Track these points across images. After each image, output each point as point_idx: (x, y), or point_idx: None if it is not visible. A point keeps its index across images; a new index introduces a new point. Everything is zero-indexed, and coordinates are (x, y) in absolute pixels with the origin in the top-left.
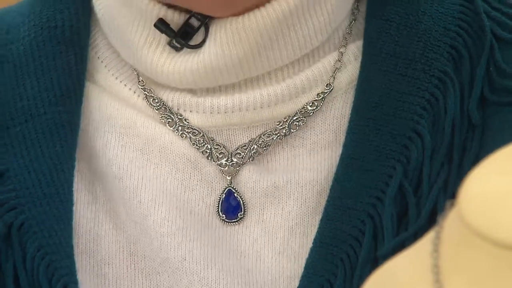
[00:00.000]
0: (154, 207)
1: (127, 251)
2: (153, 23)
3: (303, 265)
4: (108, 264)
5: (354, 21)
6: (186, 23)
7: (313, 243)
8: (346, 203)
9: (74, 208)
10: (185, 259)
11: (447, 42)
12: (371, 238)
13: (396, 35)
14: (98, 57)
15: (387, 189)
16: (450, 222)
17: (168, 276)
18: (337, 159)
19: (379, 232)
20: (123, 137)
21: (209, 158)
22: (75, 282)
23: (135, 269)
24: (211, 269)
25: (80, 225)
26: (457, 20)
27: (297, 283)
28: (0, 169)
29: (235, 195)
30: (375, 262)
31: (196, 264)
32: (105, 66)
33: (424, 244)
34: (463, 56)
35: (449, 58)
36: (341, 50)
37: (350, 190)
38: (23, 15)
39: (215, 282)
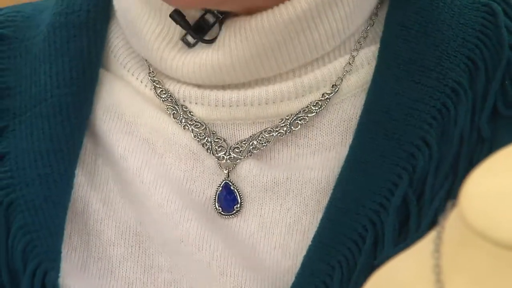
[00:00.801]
0: (156, 188)
1: (133, 231)
2: (167, 16)
3: (299, 262)
4: (113, 245)
5: (371, 26)
6: (202, 18)
7: (312, 242)
8: (348, 205)
9: (75, 189)
10: (182, 241)
11: (464, 53)
12: (371, 245)
13: (413, 42)
14: (109, 46)
15: (392, 198)
16: (451, 222)
17: (169, 257)
18: (341, 160)
19: (379, 240)
20: (130, 125)
21: (209, 151)
22: (53, 260)
23: (139, 249)
24: (206, 251)
25: (85, 206)
26: (477, 32)
27: (291, 278)
28: (2, 152)
29: (232, 188)
30: (372, 269)
31: (192, 246)
32: (114, 56)
33: (425, 244)
34: (479, 68)
35: (465, 69)
36: (354, 53)
37: (353, 193)
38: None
39: (209, 265)
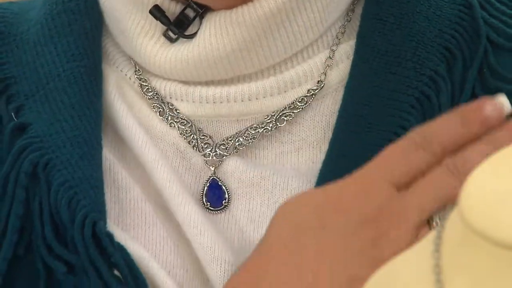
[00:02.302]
0: (157, 168)
1: (155, 193)
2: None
3: None
4: (143, 201)
5: (349, 21)
6: (182, 13)
7: None
8: None
9: (103, 151)
10: (184, 223)
11: (440, 43)
12: None
13: (389, 34)
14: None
15: None
16: (451, 222)
17: (179, 241)
18: (324, 155)
19: None
20: (127, 111)
21: (195, 148)
22: (100, 211)
23: (162, 209)
24: (207, 237)
25: (111, 165)
26: (454, 24)
27: None
28: (24, 122)
29: (219, 183)
30: None
31: (194, 228)
32: (105, 52)
33: (425, 244)
34: (456, 57)
35: (441, 58)
36: (333, 48)
37: None
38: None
39: (211, 249)
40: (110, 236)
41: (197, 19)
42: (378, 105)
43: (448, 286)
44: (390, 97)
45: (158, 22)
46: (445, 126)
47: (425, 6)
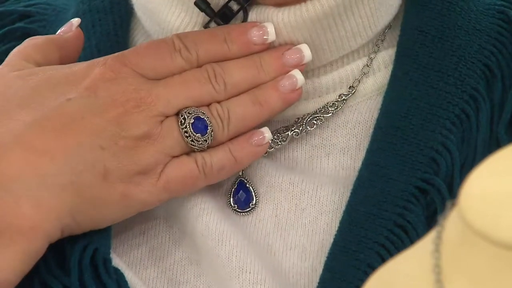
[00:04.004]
0: None
1: (163, 223)
2: (190, 4)
3: (316, 264)
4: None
5: (389, 28)
6: (226, 6)
7: (333, 246)
8: (370, 209)
9: None
10: (202, 234)
11: (481, 59)
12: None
13: (430, 46)
14: (130, 42)
15: (416, 202)
16: (451, 222)
17: (196, 250)
18: (356, 164)
19: (407, 244)
20: None
21: None
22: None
23: (169, 241)
24: (226, 246)
25: None
26: (493, 39)
27: (309, 280)
28: None
29: (247, 185)
30: None
31: (212, 239)
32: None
33: (425, 244)
34: (495, 75)
35: (481, 76)
36: (372, 56)
37: (375, 197)
38: None
39: (229, 260)
40: (107, 262)
41: (241, 12)
42: (417, 118)
43: (448, 286)
44: (430, 112)
45: (199, 14)
46: (208, 38)
47: (465, 20)
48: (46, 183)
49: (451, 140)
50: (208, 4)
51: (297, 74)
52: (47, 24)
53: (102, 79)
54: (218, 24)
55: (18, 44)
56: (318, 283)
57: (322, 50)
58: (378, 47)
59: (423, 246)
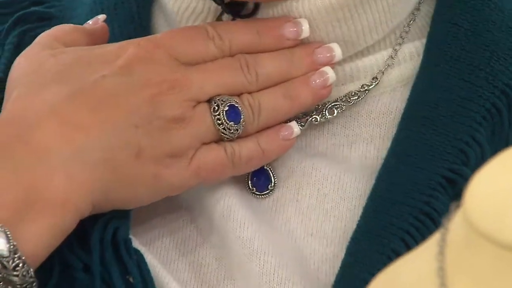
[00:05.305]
0: None
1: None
2: None
3: (337, 249)
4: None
5: (414, 20)
6: None
7: (356, 231)
8: (396, 196)
9: None
10: (223, 216)
11: None
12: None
13: (463, 40)
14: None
15: (443, 191)
16: (455, 224)
17: (217, 233)
18: (379, 153)
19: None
20: None
21: None
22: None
23: (191, 223)
24: (248, 228)
25: None
26: None
27: (331, 265)
28: None
29: (265, 167)
30: None
31: (233, 222)
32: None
33: (429, 246)
34: None
35: None
36: (396, 47)
37: (401, 185)
38: None
39: (251, 242)
40: (128, 242)
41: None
42: (446, 110)
43: None
44: (461, 104)
45: (211, 6)
46: (241, 29)
47: (499, 17)
48: (80, 158)
49: (481, 133)
50: None
51: (329, 71)
52: (63, 8)
53: (136, 59)
54: (229, 13)
55: (34, 27)
56: (340, 267)
57: (339, 42)
58: (403, 38)
59: (428, 249)
